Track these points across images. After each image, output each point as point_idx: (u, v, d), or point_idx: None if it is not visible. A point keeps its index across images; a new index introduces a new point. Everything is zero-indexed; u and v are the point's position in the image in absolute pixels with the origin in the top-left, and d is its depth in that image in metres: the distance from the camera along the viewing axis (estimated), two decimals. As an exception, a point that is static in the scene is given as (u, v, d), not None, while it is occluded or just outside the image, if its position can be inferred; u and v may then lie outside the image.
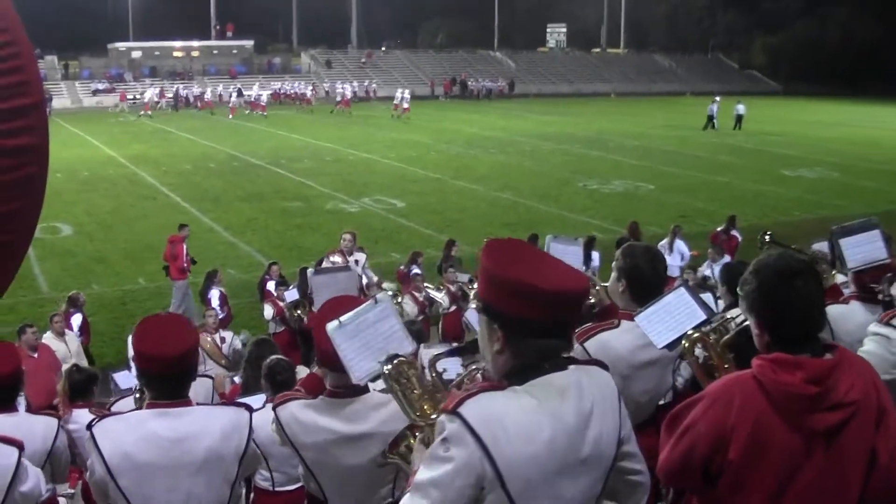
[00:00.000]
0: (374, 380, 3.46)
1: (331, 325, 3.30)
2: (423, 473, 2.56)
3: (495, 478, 2.48)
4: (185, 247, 16.35)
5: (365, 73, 77.36)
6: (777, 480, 2.94)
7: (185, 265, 16.09)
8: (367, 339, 3.25)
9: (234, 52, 78.59)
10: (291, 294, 13.38)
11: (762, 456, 2.95)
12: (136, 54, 74.23)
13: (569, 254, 5.84)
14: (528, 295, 2.53)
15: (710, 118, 48.54)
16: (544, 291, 2.52)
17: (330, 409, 3.84)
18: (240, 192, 28.19)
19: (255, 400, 6.78)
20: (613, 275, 4.50)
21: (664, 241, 16.84)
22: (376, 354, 3.18)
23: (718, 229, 18.38)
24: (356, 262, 13.66)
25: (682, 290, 4.04)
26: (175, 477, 3.67)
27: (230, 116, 53.68)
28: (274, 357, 6.52)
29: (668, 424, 3.19)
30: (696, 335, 3.70)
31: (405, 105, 53.07)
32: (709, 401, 3.08)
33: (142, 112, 55.81)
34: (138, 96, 62.37)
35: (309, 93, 64.05)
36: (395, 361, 2.98)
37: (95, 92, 62.97)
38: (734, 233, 18.01)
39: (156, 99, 59.37)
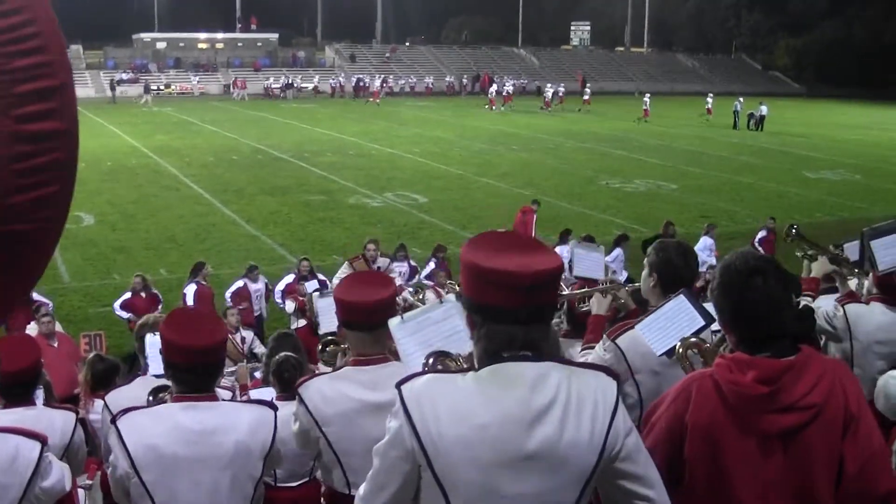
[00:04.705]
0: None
1: (393, 321, 3.31)
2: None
3: (422, 455, 2.48)
4: (534, 217, 19.47)
5: (389, 67, 77.41)
6: (732, 481, 2.91)
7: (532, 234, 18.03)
8: (427, 336, 3.24)
9: (259, 44, 78.91)
10: (312, 285, 13.43)
11: (715, 455, 2.93)
12: (161, 45, 74.62)
13: (591, 260, 5.86)
14: (481, 276, 2.51)
15: (738, 115, 49.33)
16: (493, 271, 2.47)
17: (354, 376, 3.85)
18: (263, 184, 28.21)
19: (264, 393, 6.76)
20: (645, 271, 4.43)
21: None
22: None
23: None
24: (378, 268, 13.62)
25: (682, 297, 3.99)
26: (201, 471, 3.61)
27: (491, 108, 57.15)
28: (283, 354, 6.48)
29: (643, 423, 3.19)
30: (690, 340, 3.62)
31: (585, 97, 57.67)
32: (670, 398, 3.09)
33: (369, 99, 60.79)
34: (163, 87, 62.83)
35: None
36: (437, 357, 2.97)
37: (119, 82, 62.94)
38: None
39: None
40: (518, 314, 2.50)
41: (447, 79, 75.05)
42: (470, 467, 2.46)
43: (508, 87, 61.03)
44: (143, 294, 14.09)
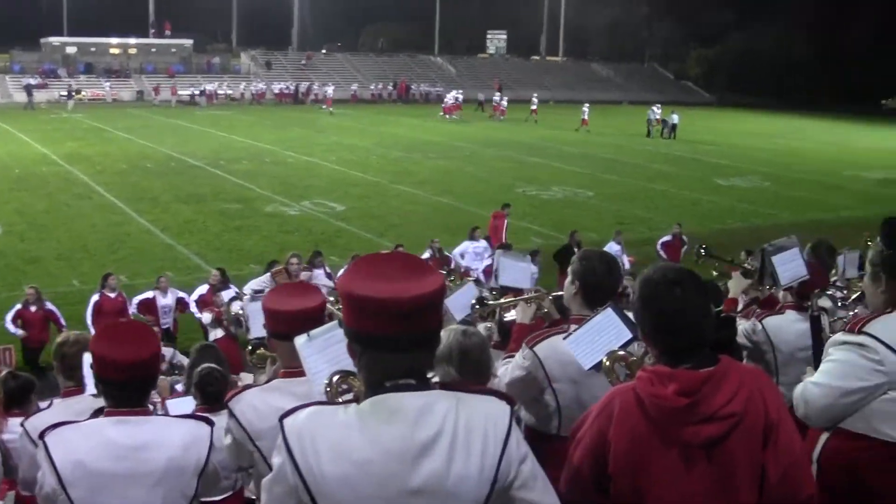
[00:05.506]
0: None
1: (300, 339, 3.25)
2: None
3: (305, 492, 2.43)
4: (506, 223, 19.90)
5: (305, 75, 76.95)
6: (657, 493, 2.92)
7: (503, 239, 18.95)
8: (334, 354, 3.19)
9: (173, 50, 77.59)
10: (228, 294, 13.24)
11: (639, 469, 2.94)
12: (71, 49, 72.86)
13: (517, 269, 5.84)
14: (356, 304, 2.45)
15: (651, 124, 50.31)
16: (366, 299, 2.41)
17: (286, 388, 3.77)
18: (178, 192, 27.77)
19: (185, 402, 6.65)
20: (568, 279, 4.44)
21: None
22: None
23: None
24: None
25: (609, 310, 4.02)
26: (131, 487, 3.51)
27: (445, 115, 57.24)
28: (206, 366, 6.37)
29: (570, 439, 3.19)
30: (617, 353, 3.61)
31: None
32: (594, 414, 3.09)
33: (322, 107, 60.73)
34: (74, 93, 61.27)
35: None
36: (340, 376, 2.92)
37: (28, 87, 60.93)
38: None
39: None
40: (397, 342, 2.44)
41: (371, 87, 75.12)
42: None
43: (457, 96, 61.35)
44: (33, 308, 13.71)
